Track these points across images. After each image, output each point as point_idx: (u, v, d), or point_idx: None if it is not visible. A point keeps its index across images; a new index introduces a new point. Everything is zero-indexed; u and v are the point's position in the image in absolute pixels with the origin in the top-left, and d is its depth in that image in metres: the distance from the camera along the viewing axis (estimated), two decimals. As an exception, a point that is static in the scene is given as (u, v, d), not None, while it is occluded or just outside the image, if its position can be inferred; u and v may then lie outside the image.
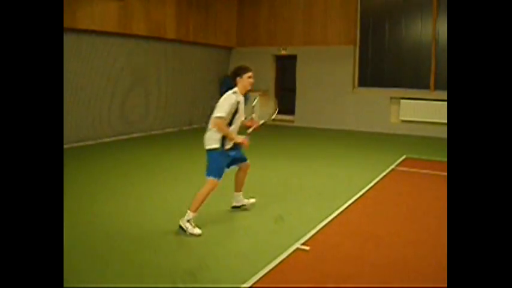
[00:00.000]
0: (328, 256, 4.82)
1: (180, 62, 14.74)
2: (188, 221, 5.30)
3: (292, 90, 16.11)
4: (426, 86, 14.25)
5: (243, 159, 6.02)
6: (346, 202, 6.66)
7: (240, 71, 5.70)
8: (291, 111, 16.13)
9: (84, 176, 8.12)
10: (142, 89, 13.29)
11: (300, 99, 15.94)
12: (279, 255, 4.68)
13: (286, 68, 16.50)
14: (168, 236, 5.27)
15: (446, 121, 13.52)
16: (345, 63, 15.23)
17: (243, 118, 5.76)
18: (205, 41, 15.33)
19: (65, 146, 10.61)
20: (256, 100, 6.51)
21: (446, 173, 8.77)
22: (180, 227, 5.31)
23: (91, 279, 4.09)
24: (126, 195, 7.02)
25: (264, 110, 6.47)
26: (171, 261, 4.59)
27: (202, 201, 5.39)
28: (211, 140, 5.51)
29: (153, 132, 13.52)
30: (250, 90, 5.86)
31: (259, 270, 4.30)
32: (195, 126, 15.00)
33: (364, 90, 15.16)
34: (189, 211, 5.33)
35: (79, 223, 5.62)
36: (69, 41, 10.76)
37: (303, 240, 5.12)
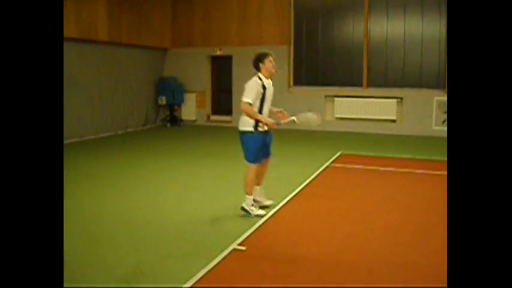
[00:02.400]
0: (264, 255, 4.86)
1: (114, 64, 14.44)
2: (252, 204, 5.94)
3: (229, 91, 16.12)
4: (359, 84, 14.61)
5: (269, 153, 6.23)
6: (282, 200, 6.72)
7: (260, 57, 5.90)
8: (228, 111, 16.14)
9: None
10: (75, 92, 12.92)
11: (237, 100, 15.87)
12: (216, 256, 4.67)
13: (222, 68, 16.48)
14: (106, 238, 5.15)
15: (378, 117, 13.98)
16: (280, 62, 15.27)
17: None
18: (139, 42, 15.09)
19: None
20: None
21: (380, 167, 9.05)
22: (244, 209, 5.94)
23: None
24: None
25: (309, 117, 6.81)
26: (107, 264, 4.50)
27: (251, 184, 5.98)
28: (245, 123, 5.92)
29: (86, 138, 13.17)
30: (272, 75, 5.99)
31: (197, 272, 4.28)
32: (130, 129, 14.74)
33: (299, 89, 15.37)
34: (246, 195, 5.96)
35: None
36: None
37: (239, 241, 5.13)
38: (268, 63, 5.89)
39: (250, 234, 5.37)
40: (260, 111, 5.91)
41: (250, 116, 5.80)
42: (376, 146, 11.84)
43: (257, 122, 5.82)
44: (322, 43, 15.13)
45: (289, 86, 15.40)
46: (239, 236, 5.25)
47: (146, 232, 5.42)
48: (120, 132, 14.34)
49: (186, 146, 11.81)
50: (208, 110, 16.58)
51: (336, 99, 14.63)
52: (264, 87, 5.86)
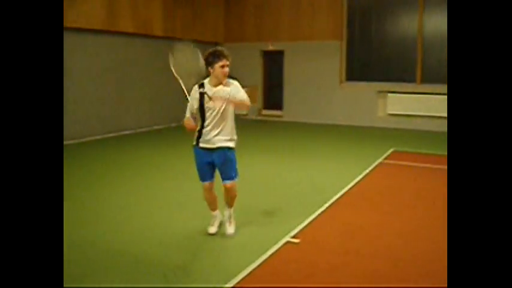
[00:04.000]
0: (317, 248, 4.91)
1: (168, 58, 14.69)
2: (213, 217, 5.31)
3: (280, 85, 16.17)
4: (413, 80, 14.39)
5: (224, 175, 5.02)
6: (334, 196, 6.74)
7: (210, 59, 4.73)
8: (279, 106, 16.21)
9: (79, 173, 8.15)
10: (130, 86, 13.29)
11: (288, 94, 16.01)
12: (269, 248, 4.77)
13: (273, 63, 16.54)
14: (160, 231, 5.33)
15: (432, 114, 13.71)
16: (332, 57, 15.32)
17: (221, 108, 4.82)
18: (193, 37, 15.31)
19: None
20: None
21: (433, 165, 8.92)
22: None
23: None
24: (121, 191, 7.07)
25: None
26: (162, 256, 4.65)
27: (208, 203, 5.27)
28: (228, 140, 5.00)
29: (140, 130, 13.52)
30: (222, 84, 4.82)
31: (251, 263, 4.39)
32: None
33: (351, 84, 15.27)
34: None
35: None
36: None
37: (292, 234, 5.20)
38: (217, 69, 4.72)
39: (304, 228, 5.43)
40: (202, 122, 4.89)
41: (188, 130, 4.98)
42: (430, 144, 11.64)
43: (198, 134, 4.94)
44: (375, 38, 14.98)
45: (341, 81, 15.31)
46: (292, 229, 5.32)
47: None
48: (173, 125, 14.64)
49: (239, 139, 11.97)
50: (259, 104, 16.68)
51: (388, 95, 14.45)
52: (201, 96, 4.82)
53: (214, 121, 4.83)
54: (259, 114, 16.61)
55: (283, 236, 5.09)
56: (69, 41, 11.28)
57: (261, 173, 8.37)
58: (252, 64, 16.54)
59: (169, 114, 14.66)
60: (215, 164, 4.97)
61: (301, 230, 5.35)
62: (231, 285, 3.98)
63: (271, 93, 16.67)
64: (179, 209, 6.19)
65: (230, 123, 4.94)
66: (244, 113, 16.46)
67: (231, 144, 4.98)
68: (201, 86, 4.85)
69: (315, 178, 8.01)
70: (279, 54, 16.09)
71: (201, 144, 4.92)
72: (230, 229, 5.19)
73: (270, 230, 5.35)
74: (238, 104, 4.92)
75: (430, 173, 8.56)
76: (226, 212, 5.24)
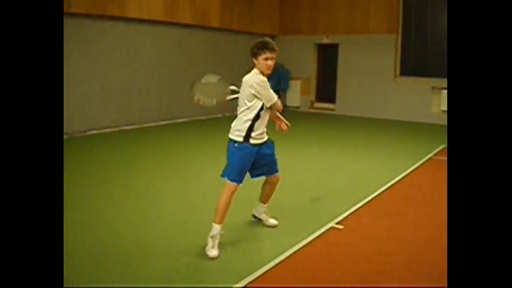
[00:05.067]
0: (360, 235, 5.12)
1: (224, 50, 15.11)
2: (212, 236, 4.46)
3: (333, 79, 16.28)
4: (468, 76, 14.18)
5: (272, 170, 4.88)
6: (381, 187, 6.90)
7: (255, 50, 4.54)
8: (332, 99, 16.33)
9: (140, 156, 8.63)
10: (188, 76, 13.73)
11: (341, 88, 16.09)
12: (314, 231, 5.02)
13: (327, 56, 16.65)
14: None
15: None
16: (386, 52, 15.29)
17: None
18: (249, 29, 15.63)
19: (114, 129, 11.23)
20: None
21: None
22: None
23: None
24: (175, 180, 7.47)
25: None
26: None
27: (224, 209, 4.51)
28: (236, 131, 4.58)
29: (199, 118, 14.00)
30: (268, 75, 4.60)
31: (295, 244, 4.66)
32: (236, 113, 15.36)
33: (405, 79, 15.19)
34: (213, 223, 4.53)
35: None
36: (118, 30, 11.43)
37: (337, 220, 5.43)
38: (261, 62, 4.51)
39: (348, 215, 5.64)
40: (257, 117, 4.56)
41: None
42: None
43: (250, 128, 4.52)
44: (431, 33, 14.82)
45: (395, 76, 15.27)
46: (337, 216, 5.54)
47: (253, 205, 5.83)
48: (227, 114, 15.02)
49: (291, 131, 12.21)
50: (312, 97, 16.84)
51: (443, 91, 14.31)
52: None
53: (266, 115, 4.63)
54: (312, 106, 16.77)
55: (327, 222, 5.32)
56: (132, 32, 11.85)
57: (311, 163, 8.60)
58: (307, 57, 16.70)
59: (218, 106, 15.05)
60: (263, 159, 4.71)
61: (345, 218, 5.56)
62: (276, 262, 4.27)
63: (325, 86, 16.79)
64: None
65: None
66: (297, 105, 16.69)
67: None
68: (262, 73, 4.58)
69: (364, 170, 8.18)
70: (334, 47, 16.18)
71: (252, 141, 4.54)
72: (274, 220, 5.20)
73: (316, 215, 5.59)
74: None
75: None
76: (264, 208, 5.17)
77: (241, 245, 4.71)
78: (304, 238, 4.82)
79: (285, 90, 16.56)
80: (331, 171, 8.07)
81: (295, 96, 16.72)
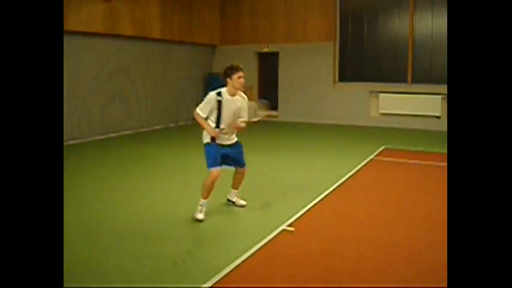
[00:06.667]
0: (311, 235, 5.33)
1: (166, 60, 15.15)
2: (201, 205, 5.73)
3: (275, 86, 16.59)
4: (404, 80, 14.82)
5: (240, 164, 6.11)
6: (327, 189, 7.16)
7: (229, 72, 5.70)
8: (274, 106, 16.61)
9: (80, 173, 8.53)
10: (129, 87, 13.69)
11: (283, 95, 16.43)
12: (267, 235, 5.18)
13: (268, 64, 16.95)
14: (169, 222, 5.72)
15: (423, 113, 14.15)
16: (325, 59, 15.75)
17: (240, 118, 5.85)
18: (190, 39, 15.74)
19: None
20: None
21: (422, 162, 9.34)
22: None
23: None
24: (123, 190, 7.46)
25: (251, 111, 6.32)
26: (171, 243, 5.05)
27: (207, 190, 5.71)
28: (204, 135, 5.81)
29: (141, 130, 13.92)
30: (240, 90, 5.78)
31: (250, 248, 4.80)
32: (181, 123, 15.41)
33: (344, 85, 15.70)
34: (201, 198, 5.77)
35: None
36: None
37: (288, 223, 5.62)
38: (236, 80, 5.68)
39: (298, 218, 5.85)
40: (217, 125, 5.71)
41: (200, 124, 5.78)
42: (420, 142, 12.07)
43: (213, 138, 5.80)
44: (367, 39, 15.41)
45: (334, 82, 15.74)
46: (288, 219, 5.73)
47: (209, 215, 5.94)
48: (171, 125, 15.04)
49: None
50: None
51: (380, 95, 14.89)
52: (219, 103, 5.66)
53: (227, 124, 5.76)
54: (255, 114, 16.97)
55: (279, 225, 5.50)
56: (72, 45, 11.69)
57: (258, 169, 8.76)
58: (248, 66, 16.88)
59: (169, 115, 15.09)
60: (231, 156, 5.91)
61: (296, 220, 5.76)
62: (233, 266, 4.40)
63: (267, 94, 17.03)
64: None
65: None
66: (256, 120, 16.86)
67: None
68: (219, 94, 5.68)
69: (310, 173, 8.44)
70: (274, 55, 16.51)
71: (218, 141, 5.76)
72: (243, 201, 6.28)
73: (268, 219, 5.76)
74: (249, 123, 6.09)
75: (419, 168, 8.98)
76: (236, 192, 6.31)
77: (196, 251, 4.81)
78: (258, 242, 4.98)
79: (227, 99, 16.68)
80: (278, 176, 8.27)
81: (238, 104, 16.86)
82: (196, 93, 16.38)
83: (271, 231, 5.29)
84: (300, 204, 6.35)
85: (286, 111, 16.34)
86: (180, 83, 15.75)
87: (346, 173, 8.19)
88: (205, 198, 5.75)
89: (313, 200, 6.57)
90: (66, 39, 11.40)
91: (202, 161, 5.86)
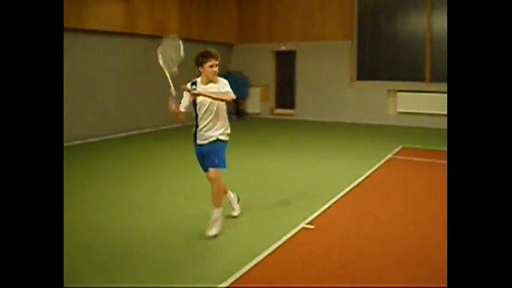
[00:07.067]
0: (330, 233, 5.37)
1: (184, 59, 15.18)
2: (215, 219, 5.24)
3: (292, 84, 16.61)
4: (422, 79, 14.74)
5: (208, 164, 5.27)
6: (346, 187, 7.18)
7: (200, 60, 5.14)
8: (291, 105, 16.65)
9: (93, 172, 8.65)
10: (148, 85, 13.79)
11: (300, 93, 16.43)
12: (287, 232, 5.24)
13: (285, 63, 16.97)
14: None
15: (441, 112, 14.03)
16: (342, 57, 15.72)
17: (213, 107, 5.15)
18: (207, 38, 15.81)
19: (71, 143, 11.16)
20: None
21: (441, 161, 9.31)
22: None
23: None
24: (136, 188, 7.55)
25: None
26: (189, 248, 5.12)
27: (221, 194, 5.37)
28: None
29: (162, 128, 14.05)
30: (212, 81, 5.17)
31: (271, 245, 4.87)
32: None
33: (362, 83, 15.66)
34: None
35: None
36: (77, 42, 11.40)
37: (308, 220, 5.67)
38: (207, 69, 5.11)
39: (318, 215, 5.89)
40: (196, 119, 5.25)
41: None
42: (438, 141, 12.00)
43: (195, 133, 5.31)
44: (385, 37, 15.36)
45: (351, 80, 15.71)
46: (307, 217, 5.78)
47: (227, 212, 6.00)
48: (190, 123, 15.12)
49: (254, 137, 12.40)
50: (272, 103, 17.12)
51: (398, 93, 14.82)
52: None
53: (206, 117, 5.16)
54: (272, 113, 17.05)
55: (299, 223, 5.55)
56: (92, 44, 11.84)
57: (276, 167, 8.81)
58: (265, 64, 17.00)
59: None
60: (204, 155, 5.29)
61: (315, 218, 5.80)
62: (255, 262, 4.48)
63: (284, 93, 17.10)
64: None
65: (221, 118, 5.27)
66: (258, 111, 16.95)
67: (222, 137, 5.26)
68: (194, 84, 5.25)
69: (328, 172, 8.48)
70: (291, 54, 16.52)
71: (197, 141, 5.27)
72: (210, 231, 5.16)
73: (287, 217, 5.81)
74: (222, 97, 5.14)
75: (437, 167, 8.95)
76: (214, 213, 5.24)
77: (217, 248, 4.87)
78: (279, 239, 5.03)
79: (244, 97, 16.78)
80: (297, 173, 8.32)
81: (255, 103, 16.98)
82: (213, 92, 16.46)
83: (291, 229, 5.35)
84: (319, 202, 6.39)
85: (303, 110, 16.35)
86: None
87: (364, 172, 8.19)
88: (219, 206, 5.26)
89: (332, 198, 6.60)
90: (85, 38, 11.60)
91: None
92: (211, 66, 5.10)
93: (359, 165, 8.76)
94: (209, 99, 5.09)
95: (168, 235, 5.26)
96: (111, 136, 12.40)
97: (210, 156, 5.22)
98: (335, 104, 15.83)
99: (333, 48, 15.76)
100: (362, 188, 7.35)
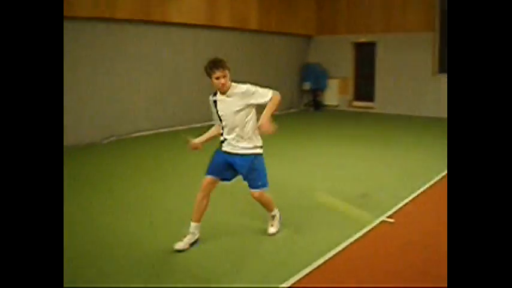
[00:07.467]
0: (410, 228, 5.30)
1: (263, 51, 15.38)
2: (273, 217, 5.08)
3: (372, 77, 16.34)
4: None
5: (251, 186, 4.80)
6: (428, 182, 7.02)
7: (207, 71, 4.67)
8: (370, 97, 16.41)
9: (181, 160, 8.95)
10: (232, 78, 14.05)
11: (380, 86, 16.15)
12: (367, 225, 5.23)
13: (365, 54, 16.72)
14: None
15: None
16: (424, 49, 15.28)
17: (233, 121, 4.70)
18: (287, 30, 15.85)
19: (158, 131, 11.57)
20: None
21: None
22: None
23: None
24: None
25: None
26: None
27: (270, 203, 5.03)
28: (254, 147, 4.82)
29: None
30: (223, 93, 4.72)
31: (349, 237, 4.88)
32: (277, 113, 15.57)
33: (444, 76, 15.14)
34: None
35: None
36: (160, 34, 11.82)
37: (388, 214, 5.62)
38: (214, 81, 4.63)
39: (398, 209, 5.82)
40: (222, 130, 4.86)
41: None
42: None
43: (221, 141, 4.87)
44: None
45: (433, 73, 15.25)
46: (388, 210, 5.73)
47: (305, 203, 6.06)
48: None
49: (331, 129, 12.36)
50: (350, 95, 16.94)
51: (483, 87, 14.24)
52: (215, 103, 4.80)
53: (229, 127, 4.72)
54: (350, 105, 16.87)
55: (379, 216, 5.53)
56: (173, 36, 12.23)
57: (358, 160, 8.77)
58: (344, 56, 16.83)
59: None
60: (237, 170, 4.81)
61: (395, 212, 5.74)
62: (335, 252, 4.54)
63: (363, 85, 16.86)
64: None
65: (248, 129, 4.74)
66: (335, 104, 16.84)
67: (257, 151, 4.80)
68: (214, 94, 4.81)
69: (409, 166, 8.34)
70: (371, 46, 16.26)
71: (224, 148, 4.81)
72: (271, 229, 5.06)
73: (367, 210, 5.79)
74: (272, 110, 4.86)
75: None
76: (271, 213, 5.09)
77: (298, 238, 4.94)
78: (358, 231, 5.05)
79: (322, 89, 16.72)
80: (378, 167, 8.25)
81: (333, 95, 16.87)
82: (291, 83, 16.53)
83: (371, 222, 5.33)
84: (399, 196, 6.30)
85: (383, 103, 16.07)
86: (277, 74, 15.91)
87: (445, 168, 7.96)
88: (193, 220, 4.78)
89: (412, 192, 6.49)
90: (166, 30, 12.00)
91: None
92: (217, 78, 4.58)
93: (440, 160, 8.48)
94: (229, 114, 4.69)
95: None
96: (197, 125, 12.73)
97: (252, 177, 4.76)
98: (416, 97, 15.43)
99: (414, 40, 15.34)
100: (444, 184, 7.14)
